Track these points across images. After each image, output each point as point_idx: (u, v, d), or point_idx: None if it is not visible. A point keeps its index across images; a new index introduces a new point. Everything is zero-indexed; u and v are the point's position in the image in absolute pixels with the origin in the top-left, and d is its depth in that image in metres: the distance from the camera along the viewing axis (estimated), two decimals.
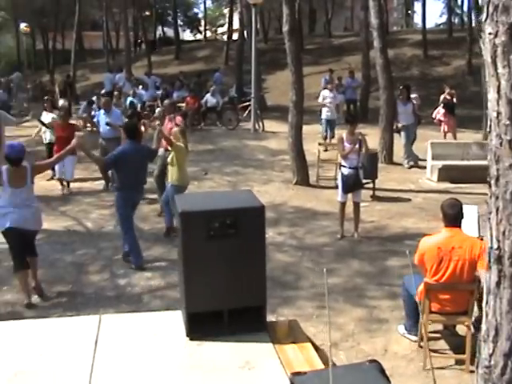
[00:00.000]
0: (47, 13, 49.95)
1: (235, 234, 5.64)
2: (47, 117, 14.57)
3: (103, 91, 27.31)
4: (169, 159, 10.20)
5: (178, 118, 11.85)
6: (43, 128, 14.47)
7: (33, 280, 8.09)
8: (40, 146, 15.59)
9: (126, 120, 13.47)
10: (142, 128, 12.45)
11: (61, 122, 13.81)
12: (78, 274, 9.00)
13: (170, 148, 10.24)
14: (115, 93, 24.28)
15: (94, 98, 23.39)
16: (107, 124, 13.46)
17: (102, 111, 14.24)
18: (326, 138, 18.68)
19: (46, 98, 16.24)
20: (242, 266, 5.71)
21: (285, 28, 14.17)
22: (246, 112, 23.37)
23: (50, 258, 9.44)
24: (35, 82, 37.83)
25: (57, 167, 12.82)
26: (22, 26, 37.41)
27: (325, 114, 18.77)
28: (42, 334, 6.29)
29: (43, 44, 54.50)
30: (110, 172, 12.45)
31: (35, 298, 7.99)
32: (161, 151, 10.84)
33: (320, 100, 18.85)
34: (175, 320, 6.19)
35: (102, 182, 13.99)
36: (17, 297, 8.14)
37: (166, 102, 13.21)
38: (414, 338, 6.66)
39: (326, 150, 16.52)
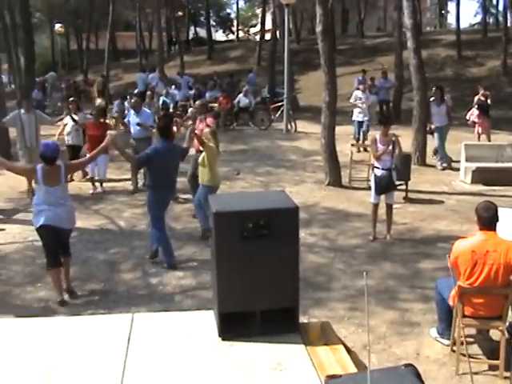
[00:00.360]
0: (81, 14, 50.54)
1: (269, 235, 5.63)
2: (68, 118, 14.64)
3: (136, 91, 27.53)
4: (200, 160, 10.23)
5: (210, 119, 11.85)
6: (67, 129, 14.42)
7: (65, 279, 8.14)
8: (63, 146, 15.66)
9: (158, 120, 13.52)
10: (175, 128, 12.51)
11: (94, 121, 13.95)
12: (111, 273, 9.05)
13: (201, 148, 10.27)
14: (148, 93, 24.43)
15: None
16: (138, 124, 13.50)
17: (133, 111, 14.30)
18: (358, 140, 18.35)
19: (71, 99, 16.27)
20: (275, 267, 5.70)
21: (318, 28, 14.11)
22: (279, 112, 23.33)
23: (83, 256, 9.52)
24: (69, 82, 38.16)
25: (90, 166, 12.93)
26: (57, 26, 37.84)
27: (356, 115, 18.52)
28: (75, 332, 6.35)
29: (77, 44, 55.06)
30: (141, 172, 12.58)
31: (67, 296, 8.06)
32: (193, 152, 10.88)
33: (352, 100, 18.56)
34: (207, 320, 6.21)
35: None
36: (50, 294, 8.21)
37: (198, 102, 13.21)
38: (447, 342, 6.58)
39: (358, 151, 16.46)
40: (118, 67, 44.30)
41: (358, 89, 19.30)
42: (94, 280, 8.75)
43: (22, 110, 13.56)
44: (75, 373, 5.47)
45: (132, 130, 13.90)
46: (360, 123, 18.38)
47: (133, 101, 14.94)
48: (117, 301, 8.00)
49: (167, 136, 9.12)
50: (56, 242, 7.94)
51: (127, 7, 52.17)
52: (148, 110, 15.38)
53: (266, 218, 5.62)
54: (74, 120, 14.38)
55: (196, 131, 10.86)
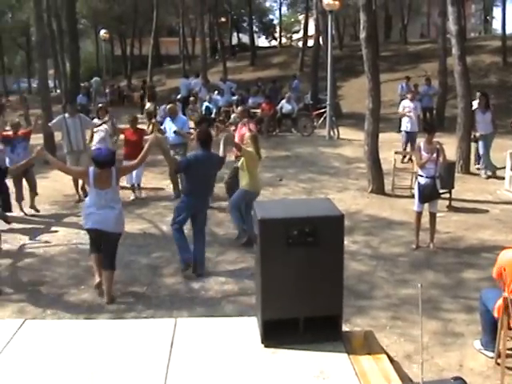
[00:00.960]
0: (126, 20, 51.22)
1: (314, 243, 5.64)
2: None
3: (179, 96, 27.74)
4: (239, 164, 10.28)
5: (252, 125, 11.87)
6: (96, 137, 14.32)
7: (106, 296, 8.12)
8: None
9: (195, 126, 13.60)
10: (214, 132, 12.60)
11: (130, 127, 14.12)
12: (153, 277, 9.12)
13: (239, 153, 10.31)
14: (191, 98, 24.61)
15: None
16: (175, 132, 13.53)
17: (169, 118, 14.38)
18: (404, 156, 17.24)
19: (100, 105, 16.34)
20: (320, 275, 5.70)
21: (362, 35, 14.06)
22: (321, 119, 23.27)
23: (126, 260, 9.60)
24: (113, 87, 38.65)
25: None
26: (102, 32, 38.25)
27: (405, 125, 17.66)
28: (118, 335, 6.42)
29: (121, 50, 55.73)
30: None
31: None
32: (232, 158, 10.90)
33: (400, 110, 17.91)
34: (250, 326, 6.23)
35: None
36: (94, 296, 8.31)
37: (239, 108, 13.23)
38: (491, 354, 6.48)
39: (403, 162, 16.14)
40: (161, 73, 44.68)
41: (405, 98, 18.64)
42: (136, 284, 8.83)
43: (67, 114, 13.76)
44: (118, 376, 5.53)
45: (168, 136, 14.00)
46: (409, 134, 17.46)
47: (168, 107, 14.97)
48: (159, 305, 8.06)
49: (207, 145, 9.14)
50: (99, 245, 8.11)
51: (171, 13, 52.65)
52: (184, 116, 15.48)
53: (312, 226, 5.62)
54: (113, 126, 14.52)
55: (237, 137, 10.90)
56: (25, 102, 30.15)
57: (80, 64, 34.50)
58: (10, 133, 12.77)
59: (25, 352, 6.14)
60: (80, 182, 13.35)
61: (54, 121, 14.17)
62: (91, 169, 7.95)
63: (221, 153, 9.45)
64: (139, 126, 14.43)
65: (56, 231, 11.54)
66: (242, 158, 10.20)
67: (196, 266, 9.11)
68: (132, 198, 13.84)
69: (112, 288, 8.20)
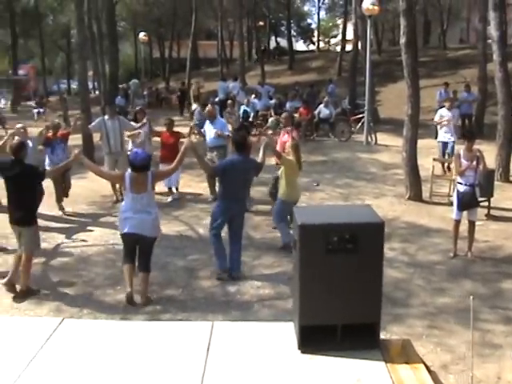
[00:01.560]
0: (164, 23, 51.61)
1: (353, 249, 5.62)
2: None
3: (217, 99, 27.79)
4: (279, 172, 10.26)
5: (295, 133, 11.83)
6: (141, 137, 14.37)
7: (142, 297, 8.13)
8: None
9: (234, 132, 13.61)
10: (255, 138, 12.58)
11: (167, 130, 14.21)
12: (189, 279, 9.15)
13: (279, 161, 10.29)
14: (229, 101, 24.63)
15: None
16: (219, 136, 13.57)
17: (208, 121, 14.43)
18: (443, 163, 16.19)
19: (138, 108, 16.33)
20: (359, 282, 5.68)
21: (402, 40, 13.94)
22: (359, 124, 23.15)
23: (162, 262, 9.64)
24: (151, 89, 38.89)
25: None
26: (141, 35, 38.55)
27: (442, 135, 16.85)
28: (154, 337, 6.46)
29: (160, 52, 56.12)
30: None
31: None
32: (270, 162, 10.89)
33: (437, 119, 17.05)
34: (287, 332, 6.22)
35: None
36: (125, 294, 8.38)
37: (284, 114, 13.17)
38: None
39: (444, 173, 15.83)
40: (198, 75, 44.81)
41: (442, 106, 17.78)
42: (172, 286, 8.86)
43: (106, 116, 13.88)
44: (154, 378, 5.56)
45: (207, 139, 14.05)
46: (445, 144, 16.70)
47: (207, 109, 15.00)
48: (194, 307, 8.08)
49: (243, 150, 9.14)
50: (134, 251, 8.15)
51: (209, 17, 52.90)
52: (222, 119, 15.51)
53: (352, 232, 5.61)
54: (151, 130, 14.60)
55: (279, 144, 10.87)
56: (64, 102, 30.61)
57: (119, 66, 34.77)
58: (50, 134, 12.86)
59: (63, 350, 6.22)
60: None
61: (93, 123, 14.31)
62: (127, 173, 8.00)
63: (260, 158, 9.39)
64: (176, 129, 14.50)
65: (93, 231, 11.65)
66: (282, 167, 10.18)
67: (231, 269, 9.10)
68: (169, 200, 13.91)
69: (147, 290, 8.23)
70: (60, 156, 12.62)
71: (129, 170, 8.10)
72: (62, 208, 12.89)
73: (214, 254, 9.25)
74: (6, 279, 8.47)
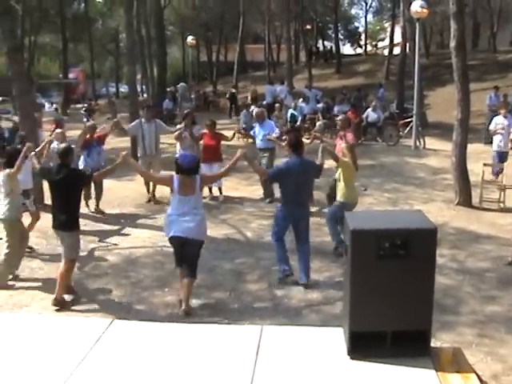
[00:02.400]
0: (212, 27, 51.84)
1: (405, 255, 5.56)
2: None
3: (264, 102, 27.81)
4: (336, 175, 10.22)
5: (350, 136, 11.77)
6: (182, 144, 14.22)
7: (184, 302, 8.01)
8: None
9: (286, 134, 13.61)
10: (307, 140, 12.53)
11: (208, 132, 14.27)
12: (236, 282, 9.15)
13: (336, 164, 10.24)
14: (277, 105, 24.64)
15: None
16: (269, 140, 13.60)
17: (257, 123, 14.47)
18: (497, 174, 15.13)
19: (186, 112, 16.32)
20: (410, 288, 5.62)
21: (452, 43, 13.76)
22: (407, 128, 22.93)
23: (209, 265, 9.66)
24: (199, 93, 39.10)
25: None
26: (189, 39, 38.78)
27: (497, 144, 16.00)
28: (203, 340, 6.49)
29: (207, 56, 56.39)
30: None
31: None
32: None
33: (492, 127, 16.28)
34: (336, 337, 6.18)
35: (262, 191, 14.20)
36: (178, 299, 8.39)
37: (340, 117, 13.10)
38: None
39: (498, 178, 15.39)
40: (246, 79, 44.96)
41: (496, 113, 17.23)
42: (220, 289, 8.88)
43: (143, 119, 13.96)
44: (203, 381, 5.57)
45: (257, 141, 14.10)
46: (501, 154, 15.89)
47: (255, 112, 15.01)
48: (242, 311, 8.09)
49: (299, 151, 9.08)
50: (181, 254, 8.07)
51: (256, 20, 52.95)
52: (271, 121, 15.54)
53: (403, 238, 5.55)
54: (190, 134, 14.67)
55: (335, 147, 10.85)
56: (113, 106, 30.97)
57: (167, 69, 35.07)
58: (88, 136, 12.77)
59: (112, 351, 6.28)
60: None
61: (130, 125, 14.37)
62: (175, 176, 7.98)
63: (318, 160, 9.36)
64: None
65: (141, 233, 11.73)
66: (339, 169, 10.14)
67: (301, 278, 8.97)
68: (221, 199, 14.07)
69: (190, 297, 8.10)
70: (95, 159, 12.74)
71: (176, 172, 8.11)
72: (87, 205, 12.99)
73: (277, 259, 9.17)
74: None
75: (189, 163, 8.00)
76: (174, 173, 8.10)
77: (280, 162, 10.63)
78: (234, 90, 34.13)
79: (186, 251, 8.00)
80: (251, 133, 14.71)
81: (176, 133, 14.12)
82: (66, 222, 8.22)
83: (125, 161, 8.49)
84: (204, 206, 12.08)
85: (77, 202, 8.48)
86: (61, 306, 8.12)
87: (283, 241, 9.16)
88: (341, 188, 10.08)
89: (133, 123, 14.34)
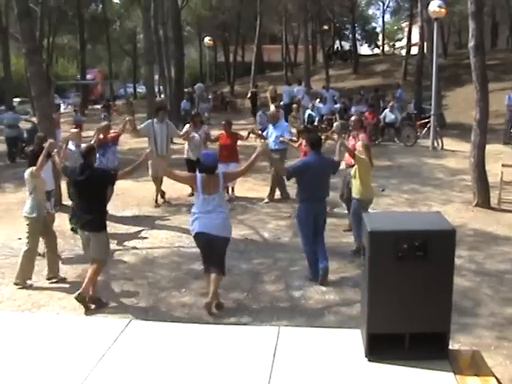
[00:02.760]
0: (229, 27, 51.94)
1: (424, 257, 5.53)
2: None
3: (281, 103, 27.81)
4: (352, 172, 10.20)
5: (362, 136, 11.75)
6: (194, 142, 14.40)
7: (212, 296, 8.02)
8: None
9: (297, 135, 13.65)
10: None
11: (225, 131, 14.32)
12: (254, 283, 9.14)
13: (352, 161, 10.22)
14: (294, 105, 24.62)
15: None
16: (281, 142, 13.62)
17: (271, 124, 14.49)
18: None
19: (194, 112, 16.23)
20: (428, 290, 5.58)
21: (470, 43, 13.65)
22: (425, 129, 22.83)
23: (227, 265, 9.54)
24: (216, 93, 39.16)
25: None
26: (206, 39, 38.88)
27: None
28: (220, 340, 6.49)
29: (224, 57, 56.52)
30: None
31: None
32: (343, 166, 10.84)
33: None
34: (353, 339, 6.16)
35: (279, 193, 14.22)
36: (195, 300, 8.43)
37: (354, 117, 13.08)
38: None
39: None
40: (263, 79, 44.97)
41: None
42: (237, 289, 8.87)
43: (155, 120, 13.97)
44: (220, 382, 5.57)
45: (270, 142, 14.12)
46: None
47: (270, 113, 15.04)
48: (259, 311, 8.07)
49: (319, 148, 9.17)
50: (208, 251, 8.05)
51: (274, 21, 53.03)
52: (285, 123, 15.57)
53: (422, 240, 5.52)
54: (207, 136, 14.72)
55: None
56: (130, 106, 31.08)
57: (184, 70, 35.08)
58: (102, 136, 12.75)
59: (130, 352, 6.30)
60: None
61: (142, 125, 14.34)
62: (199, 174, 7.97)
63: (336, 157, 9.49)
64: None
65: (159, 233, 11.75)
66: (355, 167, 10.14)
67: (323, 261, 9.07)
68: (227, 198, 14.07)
69: (217, 293, 8.12)
70: (111, 158, 12.75)
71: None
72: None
73: (308, 262, 9.20)
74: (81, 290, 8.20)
75: (212, 161, 8.02)
76: (196, 172, 8.10)
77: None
78: (254, 90, 34.17)
79: (213, 248, 8.00)
80: (264, 133, 14.74)
81: (183, 132, 14.21)
82: (92, 222, 8.17)
83: (147, 159, 8.49)
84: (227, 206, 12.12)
85: (102, 202, 8.46)
86: (83, 302, 8.10)
87: (313, 245, 9.18)
88: (358, 185, 10.07)
89: (144, 123, 14.33)
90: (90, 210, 8.17)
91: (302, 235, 9.25)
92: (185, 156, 14.50)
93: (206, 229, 7.88)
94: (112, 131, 13.47)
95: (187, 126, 14.89)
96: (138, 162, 8.72)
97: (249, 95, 33.98)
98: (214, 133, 15.80)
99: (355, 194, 10.15)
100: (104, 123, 14.07)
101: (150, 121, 14.23)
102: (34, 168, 9.03)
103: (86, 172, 8.16)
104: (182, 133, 14.45)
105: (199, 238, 8.03)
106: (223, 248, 8.15)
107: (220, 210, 7.98)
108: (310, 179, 8.87)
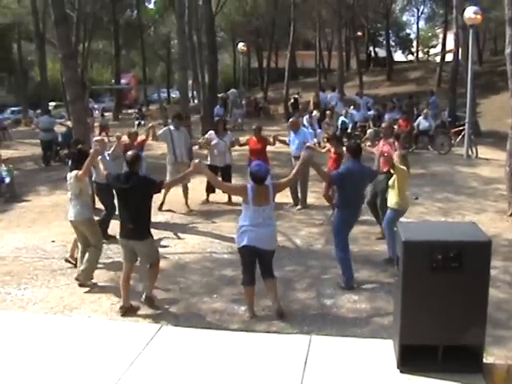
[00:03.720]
0: (263, 33, 52.02)
1: (458, 268, 5.47)
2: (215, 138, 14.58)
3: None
4: (390, 182, 10.14)
5: (397, 145, 11.69)
6: (219, 148, 14.40)
7: (274, 303, 8.03)
8: None
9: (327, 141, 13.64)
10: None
11: (255, 136, 14.38)
12: (285, 290, 9.06)
13: (391, 171, 10.17)
14: (327, 112, 24.54)
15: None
16: (307, 147, 13.61)
17: (292, 132, 14.52)
18: None
19: (216, 119, 16.17)
20: (463, 302, 5.52)
21: (507, 50, 13.46)
22: (459, 137, 22.61)
23: (258, 272, 9.54)
24: (249, 99, 39.22)
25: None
26: (240, 45, 38.96)
27: None
28: (251, 348, 6.47)
29: (258, 62, 56.61)
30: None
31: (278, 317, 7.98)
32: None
33: None
34: (385, 350, 6.10)
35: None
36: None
37: (385, 124, 13.03)
38: None
39: None
40: (296, 86, 44.91)
41: None
42: (268, 296, 8.83)
43: (172, 127, 14.00)
44: None
45: (292, 149, 14.15)
46: None
47: (290, 121, 15.09)
48: (290, 319, 7.99)
49: (358, 156, 9.21)
50: (254, 263, 7.98)
51: (307, 27, 52.93)
52: (306, 130, 15.59)
53: (457, 250, 5.45)
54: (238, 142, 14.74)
55: (377, 154, 10.77)
56: (164, 111, 31.26)
57: (218, 76, 35.23)
58: (127, 142, 12.73)
59: (160, 357, 6.31)
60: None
61: (160, 132, 14.32)
62: (250, 185, 7.81)
63: (375, 166, 9.59)
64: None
65: (191, 239, 11.77)
66: (394, 176, 10.09)
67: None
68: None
69: (277, 297, 8.12)
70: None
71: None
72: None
73: (342, 268, 9.16)
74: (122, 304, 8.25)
75: (264, 173, 7.90)
76: (248, 183, 8.00)
77: None
78: (297, 96, 34.21)
79: (260, 261, 7.97)
80: (286, 140, 14.79)
81: (203, 139, 14.31)
82: (138, 230, 8.03)
83: (197, 169, 8.33)
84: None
85: (148, 210, 8.23)
86: (151, 304, 8.27)
87: (349, 252, 9.20)
88: (395, 195, 10.00)
89: (161, 130, 14.31)
90: (135, 219, 8.02)
91: (338, 241, 9.21)
92: (208, 162, 14.50)
93: (254, 242, 7.75)
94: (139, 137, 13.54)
95: (210, 132, 14.93)
96: (185, 172, 8.72)
97: (291, 101, 34.05)
98: (244, 138, 15.80)
99: (392, 204, 10.07)
100: (132, 130, 14.07)
101: (166, 128, 14.25)
102: (80, 172, 8.99)
103: (132, 180, 8.05)
104: (200, 141, 14.53)
105: (246, 250, 7.86)
106: (270, 259, 8.10)
107: (269, 222, 7.89)
108: (350, 186, 8.91)
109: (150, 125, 14.04)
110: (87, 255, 9.17)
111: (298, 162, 8.60)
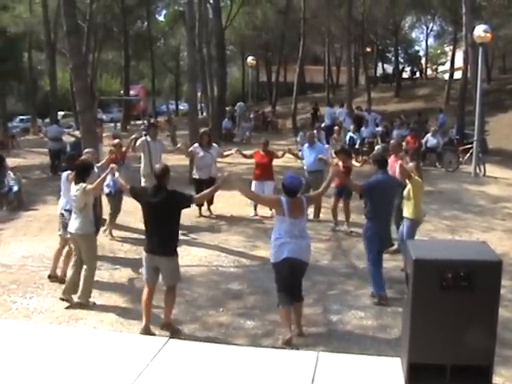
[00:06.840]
0: (272, 47, 52.22)
1: (468, 288, 5.45)
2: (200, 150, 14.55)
3: (323, 125, 27.77)
4: (405, 193, 10.18)
5: (408, 159, 11.71)
6: (205, 160, 14.40)
7: (296, 326, 7.90)
8: None
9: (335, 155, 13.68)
10: (358, 164, 12.57)
11: (261, 150, 14.54)
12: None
13: (407, 181, 10.20)
14: (335, 127, 24.54)
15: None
16: (320, 159, 13.64)
17: (307, 145, 14.57)
18: None
19: (202, 130, 16.14)
20: (472, 321, 5.49)
21: None
22: (467, 155, 22.58)
23: (265, 286, 9.58)
24: (257, 113, 39.27)
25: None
26: (249, 59, 39.05)
27: None
28: (258, 363, 6.44)
29: (266, 76, 56.75)
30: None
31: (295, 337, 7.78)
32: None
33: None
34: (393, 368, 6.06)
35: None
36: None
37: (394, 141, 13.06)
38: None
39: None
40: (305, 100, 45.02)
41: None
42: (274, 311, 8.71)
43: (149, 138, 13.92)
44: None
45: (306, 163, 14.16)
46: None
47: (307, 134, 15.19)
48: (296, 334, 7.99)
49: (385, 167, 9.39)
50: (292, 277, 7.79)
51: (317, 42, 53.07)
52: (320, 144, 15.66)
53: (467, 270, 5.44)
54: (242, 154, 14.75)
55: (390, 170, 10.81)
56: (171, 123, 31.33)
57: (226, 89, 35.30)
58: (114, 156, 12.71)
59: (167, 370, 6.29)
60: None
61: (138, 143, 14.15)
62: (284, 198, 7.75)
63: (399, 178, 9.78)
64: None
65: (197, 252, 11.75)
66: (408, 187, 10.14)
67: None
68: (252, 214, 14.36)
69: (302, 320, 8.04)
70: (126, 176, 12.71)
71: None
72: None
73: (373, 282, 9.21)
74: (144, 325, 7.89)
75: (298, 185, 7.91)
76: (281, 196, 7.93)
77: None
78: (316, 106, 34.35)
79: (296, 274, 7.82)
80: (299, 154, 14.83)
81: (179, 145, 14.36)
82: (166, 246, 7.80)
83: (227, 181, 8.33)
84: (259, 228, 12.06)
85: (176, 225, 7.96)
86: (171, 330, 7.91)
87: (381, 266, 9.25)
88: (410, 206, 10.13)
89: (138, 142, 14.11)
90: (163, 234, 7.81)
91: (369, 253, 9.29)
92: (193, 176, 14.61)
93: (295, 254, 7.65)
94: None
95: (195, 145, 14.92)
96: (216, 185, 8.75)
97: (312, 111, 34.22)
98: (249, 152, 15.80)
99: (409, 214, 10.21)
100: (115, 141, 13.99)
101: (143, 139, 14.12)
102: (90, 186, 8.81)
103: (161, 194, 7.82)
104: (172, 149, 14.96)
105: (287, 263, 7.68)
106: (304, 273, 8.02)
107: (304, 234, 7.89)
108: (379, 197, 9.05)
109: (133, 136, 14.05)
110: (82, 275, 8.93)
111: (327, 176, 8.73)
